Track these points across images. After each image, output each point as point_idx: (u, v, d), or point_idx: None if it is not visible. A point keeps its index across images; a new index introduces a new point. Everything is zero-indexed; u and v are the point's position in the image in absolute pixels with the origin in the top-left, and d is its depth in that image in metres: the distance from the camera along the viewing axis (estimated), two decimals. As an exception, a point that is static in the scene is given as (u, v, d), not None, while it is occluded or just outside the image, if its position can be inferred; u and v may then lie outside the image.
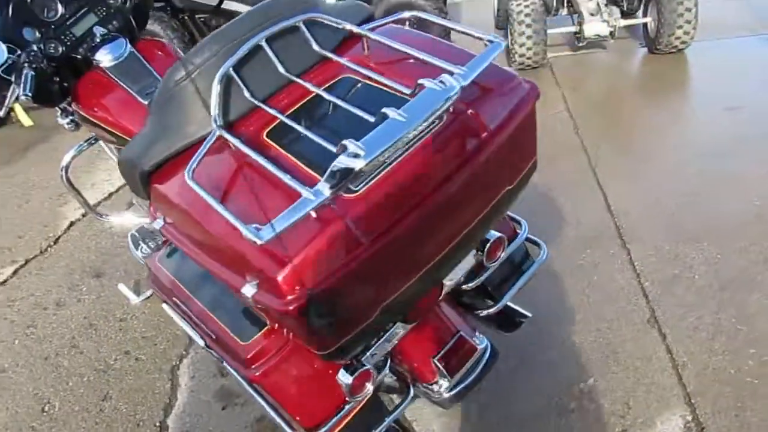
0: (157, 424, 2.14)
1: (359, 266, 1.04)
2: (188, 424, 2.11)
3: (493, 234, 1.57)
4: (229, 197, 1.11)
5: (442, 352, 1.59)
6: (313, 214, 1.02)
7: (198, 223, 1.14)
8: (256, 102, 1.24)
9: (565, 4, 5.00)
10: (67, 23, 2.08)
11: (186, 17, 5.32)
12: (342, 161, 0.95)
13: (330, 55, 1.30)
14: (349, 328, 1.13)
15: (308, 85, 1.23)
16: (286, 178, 1.02)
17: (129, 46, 2.10)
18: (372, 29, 1.37)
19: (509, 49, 4.71)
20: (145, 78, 1.92)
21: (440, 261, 1.22)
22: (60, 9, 2.09)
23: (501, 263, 1.69)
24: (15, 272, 3.07)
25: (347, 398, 1.42)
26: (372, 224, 1.05)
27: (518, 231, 1.76)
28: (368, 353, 1.44)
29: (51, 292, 2.87)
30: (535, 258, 1.80)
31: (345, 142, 0.97)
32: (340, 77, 1.30)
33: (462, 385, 1.60)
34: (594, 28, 4.68)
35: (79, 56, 2.06)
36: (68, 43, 2.06)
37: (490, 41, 1.18)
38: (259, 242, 0.94)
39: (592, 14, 4.73)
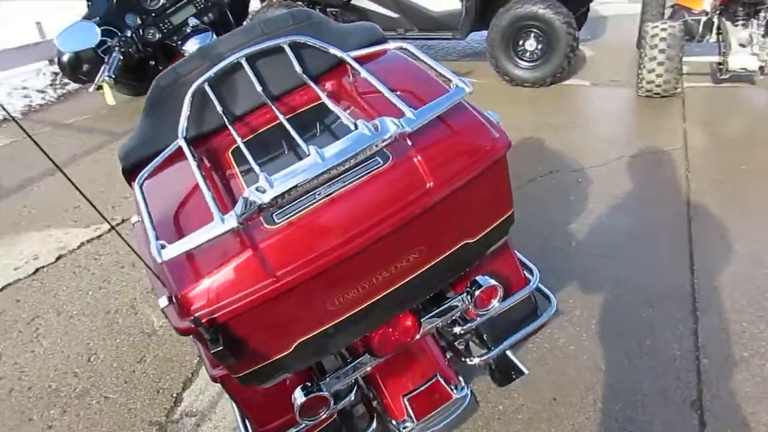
0: (174, 395, 2.26)
1: (263, 299, 1.02)
2: (199, 401, 2.21)
3: (487, 281, 1.48)
4: (162, 209, 1.13)
5: (414, 393, 1.52)
6: (235, 239, 1.03)
7: (141, 227, 1.19)
8: (225, 119, 1.26)
9: (714, 31, 4.50)
10: (167, 12, 2.25)
11: (318, 10, 5.52)
12: (249, 194, 0.94)
13: (307, 80, 1.28)
14: (257, 357, 1.11)
15: (276, 110, 1.22)
16: (210, 201, 1.02)
17: (214, 38, 2.23)
18: (367, 56, 1.34)
19: (638, 74, 4.34)
20: None
21: (375, 307, 1.16)
22: None
23: (503, 311, 1.59)
24: (110, 229, 3.40)
25: (297, 418, 1.40)
26: (286, 259, 1.03)
27: (529, 280, 1.63)
28: (328, 379, 1.42)
29: (131, 254, 3.14)
30: (542, 312, 1.66)
31: (260, 174, 0.97)
32: (314, 104, 1.27)
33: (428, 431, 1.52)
34: (740, 60, 4.17)
35: (172, 44, 2.23)
36: (165, 31, 2.23)
37: (456, 85, 1.10)
38: (159, 260, 0.96)
39: (742, 45, 4.22)
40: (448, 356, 1.65)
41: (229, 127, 1.23)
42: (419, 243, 1.12)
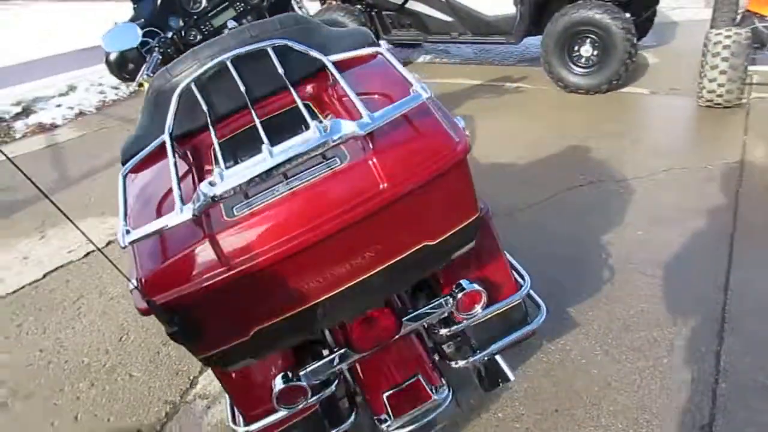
0: (191, 378, 2.37)
1: (216, 286, 1.07)
2: (212, 386, 2.30)
3: (471, 286, 1.48)
4: (142, 199, 1.21)
5: (393, 390, 1.54)
6: (197, 230, 1.09)
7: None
8: (208, 118, 1.32)
9: (788, 39, 4.23)
10: (208, 15, 2.38)
11: (374, 13, 5.60)
12: (203, 187, 1.00)
13: (285, 83, 1.33)
14: (215, 342, 1.17)
15: (253, 112, 1.28)
16: (176, 193, 1.08)
17: None
18: (352, 60, 1.37)
19: (698, 83, 4.14)
20: None
21: (334, 302, 1.19)
22: (204, 2, 2.41)
23: (492, 316, 1.59)
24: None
25: (275, 405, 1.45)
26: (240, 250, 1.07)
27: (520, 287, 1.61)
28: (308, 370, 1.46)
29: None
30: (532, 319, 1.63)
31: (215, 169, 1.03)
32: (293, 106, 1.32)
33: (405, 430, 1.54)
34: (813, 71, 3.90)
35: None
36: (205, 33, 2.36)
37: (415, 90, 1.12)
38: (121, 244, 1.04)
39: (816, 54, 3.95)
40: (434, 358, 1.66)
41: (210, 127, 1.30)
42: (374, 242, 1.14)
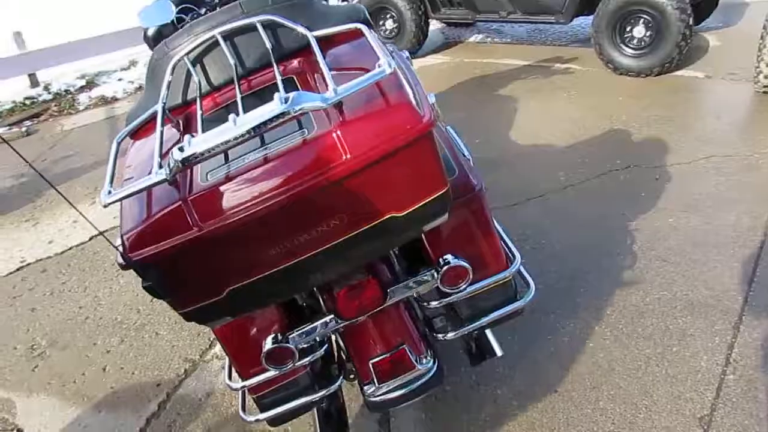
0: (211, 339, 2.50)
1: (187, 246, 1.14)
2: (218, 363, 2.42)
3: (457, 261, 1.50)
4: (129, 162, 1.30)
5: (379, 358, 1.59)
6: (174, 193, 1.17)
7: None
8: (198, 90, 1.39)
9: None
10: None
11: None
12: (173, 152, 1.07)
13: (270, 57, 1.37)
14: (191, 299, 1.24)
15: (236, 86, 1.33)
16: (155, 158, 1.16)
17: None
18: (339, 36, 1.41)
19: (755, 68, 3.93)
20: None
21: (304, 267, 1.24)
22: None
23: (481, 291, 1.60)
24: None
25: (263, 363, 1.52)
26: (210, 213, 1.14)
27: (510, 264, 1.62)
28: (296, 333, 1.52)
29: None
30: (521, 296, 1.64)
31: (186, 137, 1.09)
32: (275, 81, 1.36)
33: (387, 396, 1.59)
34: None
35: None
36: None
37: (380, 65, 1.14)
38: (102, 203, 1.13)
39: None
40: (424, 329, 1.69)
41: (197, 99, 1.37)
42: (340, 210, 1.18)
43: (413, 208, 1.23)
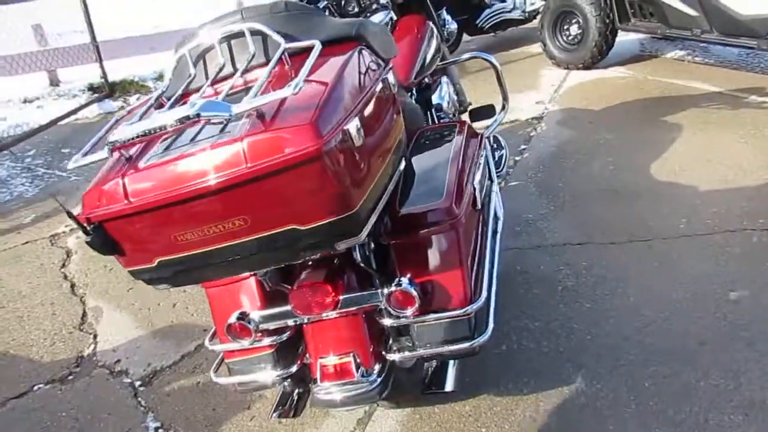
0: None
1: (116, 215, 1.32)
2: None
3: (406, 286, 1.51)
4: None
5: (326, 360, 1.66)
6: (122, 167, 1.36)
7: None
8: (188, 85, 1.55)
9: None
10: None
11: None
12: (108, 135, 1.27)
13: (252, 63, 1.48)
14: (128, 261, 1.41)
15: (206, 86, 1.48)
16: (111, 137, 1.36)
17: (391, 16, 2.59)
18: (334, 48, 1.48)
19: None
20: None
21: (215, 256, 1.34)
22: None
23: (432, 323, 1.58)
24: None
25: (224, 332, 1.68)
26: (137, 190, 1.30)
27: (471, 303, 1.57)
28: (256, 315, 1.67)
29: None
30: (477, 335, 1.57)
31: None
32: (250, 84, 1.45)
33: (325, 397, 1.65)
34: None
35: (363, 16, 2.66)
36: (362, 5, 2.65)
37: (290, 85, 1.19)
38: (68, 166, 1.37)
39: None
40: (381, 344, 1.70)
41: (189, 92, 1.53)
42: (241, 213, 1.26)
43: (315, 225, 1.27)
